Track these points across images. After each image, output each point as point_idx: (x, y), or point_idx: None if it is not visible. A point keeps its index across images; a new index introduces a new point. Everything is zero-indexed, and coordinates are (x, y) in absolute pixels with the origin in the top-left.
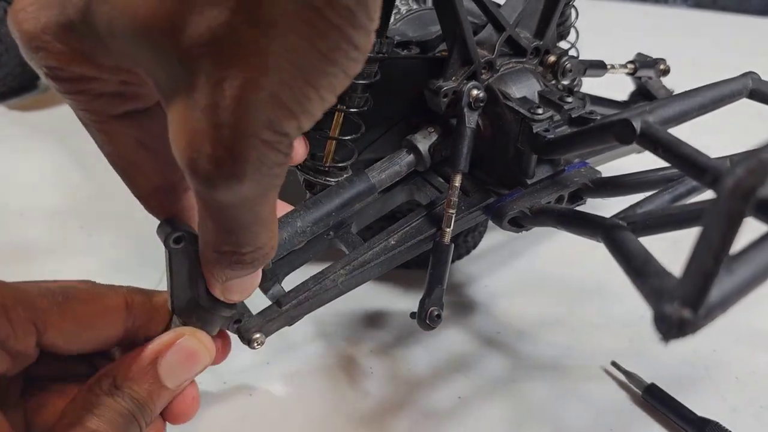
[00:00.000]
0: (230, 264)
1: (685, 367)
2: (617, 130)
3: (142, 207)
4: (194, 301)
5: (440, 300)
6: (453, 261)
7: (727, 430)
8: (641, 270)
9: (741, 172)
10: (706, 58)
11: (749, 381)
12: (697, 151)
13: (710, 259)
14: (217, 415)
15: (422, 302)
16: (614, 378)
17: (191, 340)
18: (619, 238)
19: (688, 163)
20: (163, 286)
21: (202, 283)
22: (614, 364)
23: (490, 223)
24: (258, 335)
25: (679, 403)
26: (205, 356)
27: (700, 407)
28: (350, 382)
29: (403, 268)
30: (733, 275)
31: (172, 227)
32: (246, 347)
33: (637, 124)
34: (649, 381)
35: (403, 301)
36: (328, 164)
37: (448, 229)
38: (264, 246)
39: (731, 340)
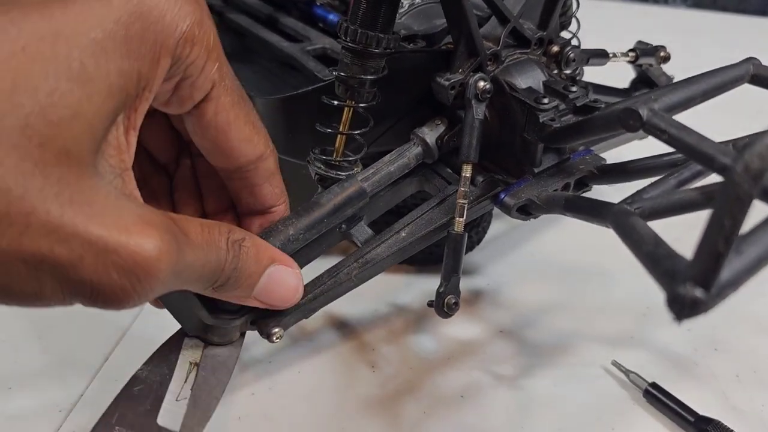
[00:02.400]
0: (220, 290)
1: (687, 365)
2: (623, 119)
3: None
4: (202, 323)
5: (457, 288)
6: None
7: (729, 429)
8: (652, 253)
9: (750, 157)
10: (706, 58)
11: (751, 379)
12: (702, 137)
13: (721, 240)
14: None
15: (439, 292)
16: (615, 377)
17: (295, 276)
18: (628, 223)
19: (695, 150)
20: None
21: (199, 307)
22: (615, 363)
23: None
24: (277, 329)
25: (681, 402)
26: (294, 296)
27: (702, 406)
28: (358, 371)
29: (407, 263)
30: (742, 255)
31: None
32: (257, 335)
33: (643, 112)
34: (650, 380)
35: (410, 291)
36: (338, 158)
37: (461, 219)
38: (220, 266)
39: (733, 339)
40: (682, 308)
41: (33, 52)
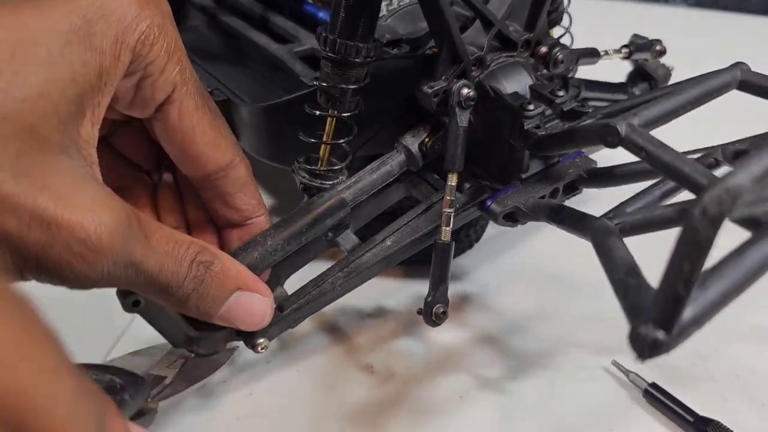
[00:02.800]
0: (180, 305)
1: (687, 365)
2: (602, 135)
3: None
4: (187, 335)
5: (445, 296)
6: (455, 256)
7: (728, 429)
8: (623, 282)
9: (709, 201)
10: (706, 58)
11: (751, 380)
12: (679, 155)
13: (680, 284)
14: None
15: (427, 300)
16: (615, 377)
17: (263, 303)
18: (607, 243)
19: (671, 168)
20: None
21: (180, 318)
22: (615, 363)
23: None
24: (262, 340)
25: (681, 403)
26: (259, 322)
27: (702, 406)
28: (349, 373)
29: (405, 264)
30: (706, 291)
31: (126, 292)
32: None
33: (621, 129)
34: (649, 380)
35: (400, 297)
36: (323, 168)
37: (447, 228)
38: (177, 282)
39: (733, 339)
40: (643, 348)
41: (1, 39)
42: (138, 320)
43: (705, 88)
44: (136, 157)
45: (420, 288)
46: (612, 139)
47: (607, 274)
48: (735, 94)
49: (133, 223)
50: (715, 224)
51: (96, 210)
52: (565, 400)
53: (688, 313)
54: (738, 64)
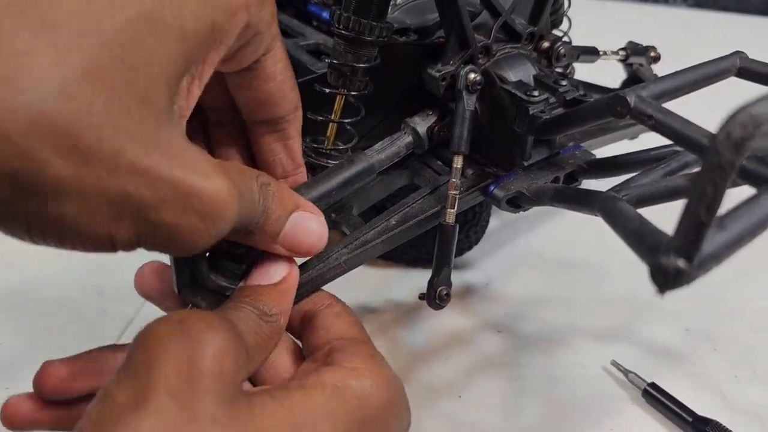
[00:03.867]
0: (249, 237)
1: (685, 365)
2: (612, 105)
3: None
4: (198, 282)
5: (448, 279)
6: (456, 256)
7: (727, 429)
8: (637, 231)
9: (732, 125)
10: (706, 58)
11: (750, 379)
12: (687, 121)
13: (703, 209)
14: None
15: (431, 283)
16: (614, 377)
17: (319, 222)
18: (615, 207)
19: (679, 134)
20: None
21: (203, 263)
22: (614, 363)
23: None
24: None
25: (680, 402)
26: (317, 243)
27: (700, 406)
28: None
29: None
30: (724, 231)
31: None
32: None
33: (630, 99)
34: (648, 379)
35: (402, 288)
36: (329, 147)
37: (452, 210)
38: (254, 208)
39: (732, 339)
40: (665, 279)
41: None
42: (141, 314)
43: (706, 72)
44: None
45: (421, 279)
46: (622, 109)
47: (618, 231)
48: (736, 92)
49: (238, 184)
50: (738, 148)
51: (219, 176)
52: (564, 399)
53: (707, 247)
54: (737, 52)
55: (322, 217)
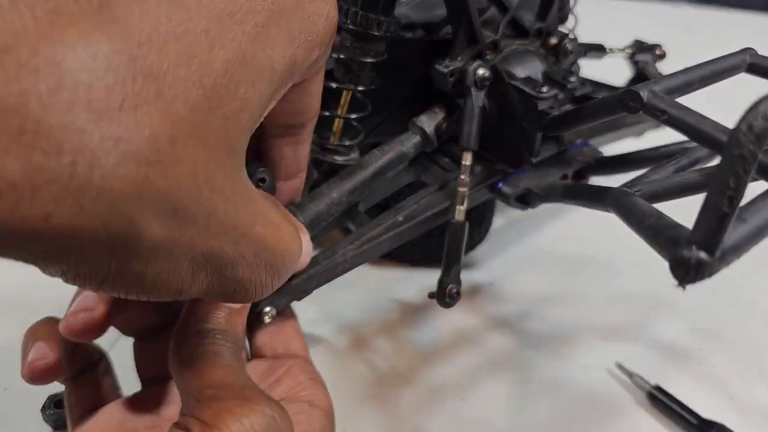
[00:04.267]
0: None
1: (691, 366)
2: (624, 100)
3: None
4: None
5: (458, 277)
6: None
7: None
8: (654, 226)
9: (753, 117)
10: (709, 55)
11: (756, 381)
12: (702, 116)
13: (725, 201)
14: None
15: (441, 281)
16: (619, 379)
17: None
18: (629, 202)
19: (694, 129)
20: None
21: None
22: (619, 365)
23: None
24: (268, 309)
25: (685, 405)
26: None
27: (706, 408)
28: (356, 361)
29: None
30: (745, 223)
31: None
32: None
33: (643, 94)
34: (653, 381)
35: (405, 284)
36: (335, 143)
37: (461, 207)
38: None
39: (738, 340)
40: (687, 272)
41: (213, 36)
42: None
43: (717, 68)
44: None
45: (428, 278)
46: (634, 104)
47: (634, 226)
48: (744, 90)
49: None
50: (759, 139)
51: (292, 232)
52: (568, 402)
53: (728, 239)
54: (747, 49)
55: (307, 236)
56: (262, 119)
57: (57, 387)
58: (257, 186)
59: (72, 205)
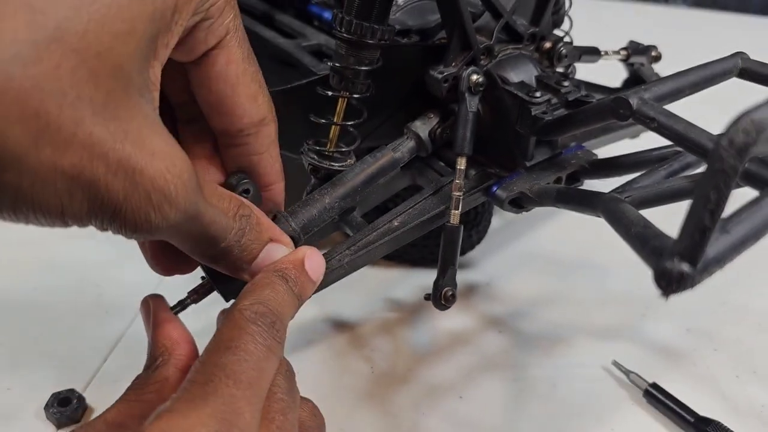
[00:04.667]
0: (220, 259)
1: (687, 365)
2: (614, 108)
3: None
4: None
5: (453, 280)
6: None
7: (728, 429)
8: (641, 234)
9: (734, 131)
10: (706, 58)
11: (751, 380)
12: (690, 124)
13: (706, 214)
14: None
15: (436, 283)
16: (615, 377)
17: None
18: (618, 209)
19: (683, 137)
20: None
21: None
22: (615, 363)
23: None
24: None
25: (681, 403)
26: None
27: (702, 406)
28: (354, 360)
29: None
30: (728, 234)
31: None
32: None
33: (633, 101)
34: (650, 380)
35: (405, 288)
36: (331, 149)
37: (456, 211)
38: (227, 232)
39: (733, 339)
40: (669, 283)
41: None
42: (138, 321)
43: (708, 73)
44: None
45: (426, 278)
46: (624, 112)
47: (621, 233)
48: (737, 94)
49: (195, 177)
50: (741, 154)
51: (172, 159)
52: (565, 400)
53: (711, 251)
54: (738, 53)
55: (292, 247)
56: (160, 49)
57: (60, 386)
58: (241, 195)
59: None
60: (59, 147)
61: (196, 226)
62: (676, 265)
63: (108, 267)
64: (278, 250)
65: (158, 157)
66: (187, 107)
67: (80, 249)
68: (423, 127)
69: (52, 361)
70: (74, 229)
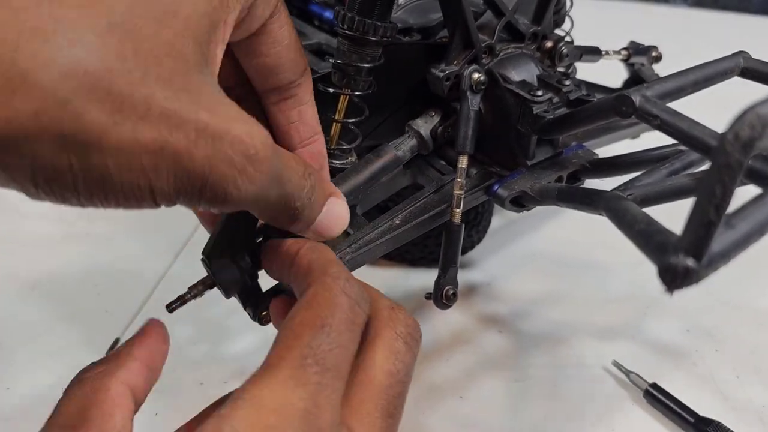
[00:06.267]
0: (294, 218)
1: (687, 365)
2: (617, 105)
3: None
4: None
5: (455, 279)
6: None
7: (729, 430)
8: (644, 231)
9: (740, 126)
10: (707, 58)
11: (751, 380)
12: (693, 121)
13: (712, 209)
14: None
15: (437, 282)
16: (615, 377)
17: (345, 207)
18: (621, 206)
19: (686, 134)
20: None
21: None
22: (616, 363)
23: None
24: (266, 313)
25: (681, 403)
26: (344, 226)
27: (702, 407)
28: None
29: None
30: (733, 230)
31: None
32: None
33: (636, 99)
34: (650, 380)
35: (403, 285)
36: (333, 147)
37: (458, 210)
38: (302, 191)
39: (734, 340)
40: (674, 278)
41: None
42: (135, 324)
43: (710, 72)
44: None
45: (427, 278)
46: (627, 109)
47: (625, 230)
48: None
49: (270, 136)
50: (746, 148)
51: (248, 123)
52: (565, 400)
53: (716, 246)
54: (740, 52)
55: (345, 202)
56: (220, 32)
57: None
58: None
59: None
60: (137, 122)
61: (276, 188)
62: (681, 260)
63: (108, 267)
64: (338, 204)
65: (235, 121)
66: (231, 90)
67: (80, 249)
68: (425, 126)
69: (51, 361)
70: (72, 230)
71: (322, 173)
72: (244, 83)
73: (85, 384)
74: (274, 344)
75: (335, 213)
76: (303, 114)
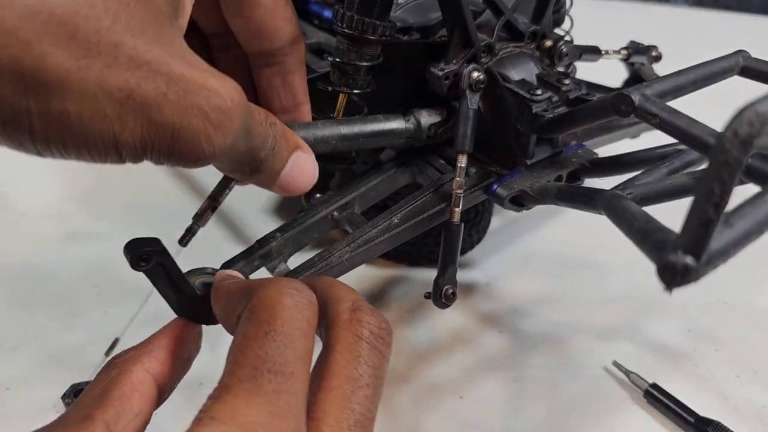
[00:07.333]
0: (258, 170)
1: (687, 366)
2: (616, 104)
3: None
4: (186, 302)
5: (454, 278)
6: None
7: (728, 430)
8: (643, 229)
9: (738, 123)
10: (707, 57)
11: (751, 380)
12: (692, 120)
13: (710, 207)
14: None
15: (437, 281)
16: (615, 377)
17: (313, 161)
18: (620, 205)
19: (685, 133)
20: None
21: (186, 284)
22: (616, 363)
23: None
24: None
25: (681, 403)
26: (311, 181)
27: (702, 407)
28: None
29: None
30: (731, 228)
31: (136, 247)
32: None
33: (635, 97)
34: (650, 380)
35: (402, 285)
36: None
37: (457, 209)
38: (264, 144)
39: (734, 339)
40: (673, 276)
41: None
42: (135, 323)
43: (710, 71)
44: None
45: (426, 277)
46: (626, 108)
47: (624, 229)
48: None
49: (241, 89)
50: (744, 146)
51: (221, 77)
52: (565, 400)
53: (715, 244)
54: (740, 51)
55: (314, 158)
56: None
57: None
58: (144, 262)
59: None
60: (103, 69)
61: (245, 141)
62: (680, 258)
63: (108, 267)
64: (305, 157)
65: (209, 74)
66: (219, 37)
67: (80, 249)
68: (427, 117)
69: (51, 361)
70: (73, 229)
71: (285, 126)
72: (229, 32)
73: (112, 368)
74: (225, 366)
75: (301, 165)
76: (288, 82)
